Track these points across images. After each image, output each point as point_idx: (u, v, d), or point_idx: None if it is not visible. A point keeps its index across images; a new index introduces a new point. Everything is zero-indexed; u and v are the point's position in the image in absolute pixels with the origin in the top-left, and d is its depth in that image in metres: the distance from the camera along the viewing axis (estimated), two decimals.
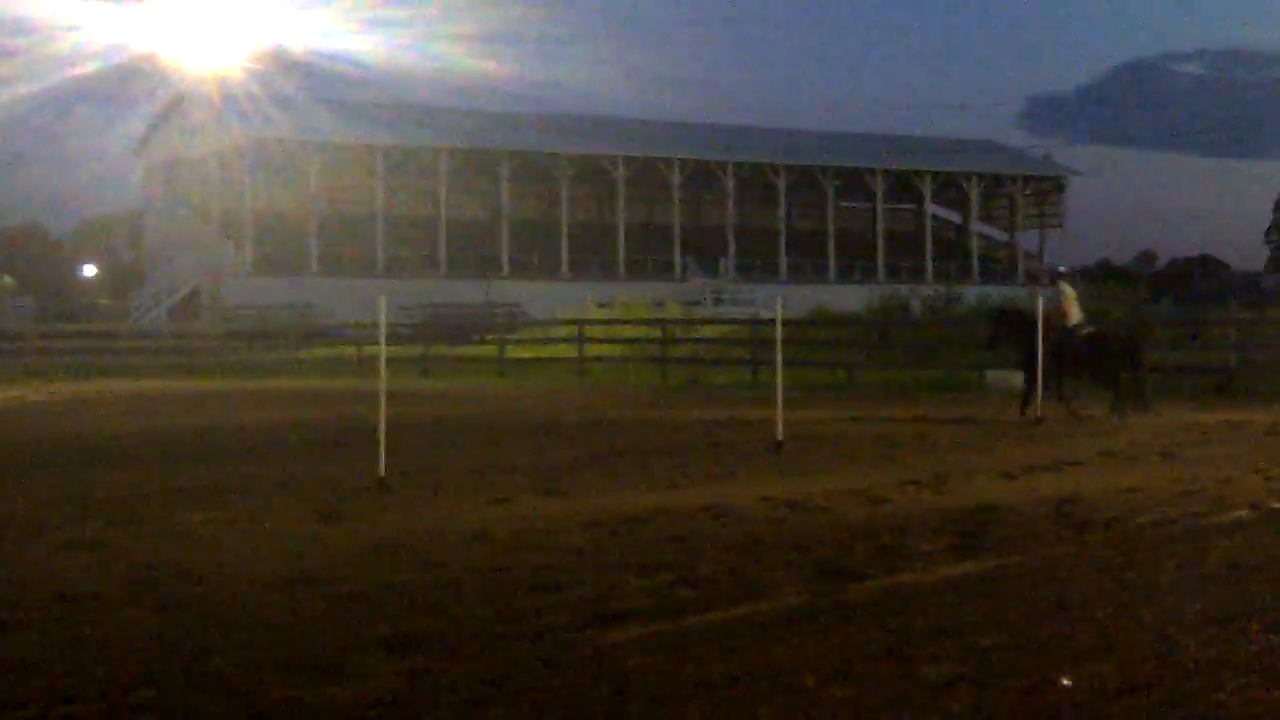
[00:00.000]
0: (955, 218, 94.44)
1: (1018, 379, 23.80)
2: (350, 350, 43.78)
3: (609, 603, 8.51)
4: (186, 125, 74.33)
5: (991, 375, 29.17)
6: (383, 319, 15.99)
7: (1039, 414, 21.22)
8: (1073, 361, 22.28)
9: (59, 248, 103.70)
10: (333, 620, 8.19)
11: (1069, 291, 23.66)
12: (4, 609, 8.46)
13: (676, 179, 79.01)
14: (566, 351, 39.97)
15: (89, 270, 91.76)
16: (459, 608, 8.48)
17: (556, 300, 60.27)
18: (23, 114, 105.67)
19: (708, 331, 41.71)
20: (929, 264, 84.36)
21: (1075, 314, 23.05)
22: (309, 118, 70.83)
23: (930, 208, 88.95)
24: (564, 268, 75.89)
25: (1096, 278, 79.73)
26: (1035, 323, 22.04)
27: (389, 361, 15.99)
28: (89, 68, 76.49)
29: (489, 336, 46.61)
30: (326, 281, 68.81)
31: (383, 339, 16.01)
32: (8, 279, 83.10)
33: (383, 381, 15.34)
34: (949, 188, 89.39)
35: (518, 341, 44.39)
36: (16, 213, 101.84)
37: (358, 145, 72.82)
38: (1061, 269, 30.15)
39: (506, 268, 74.50)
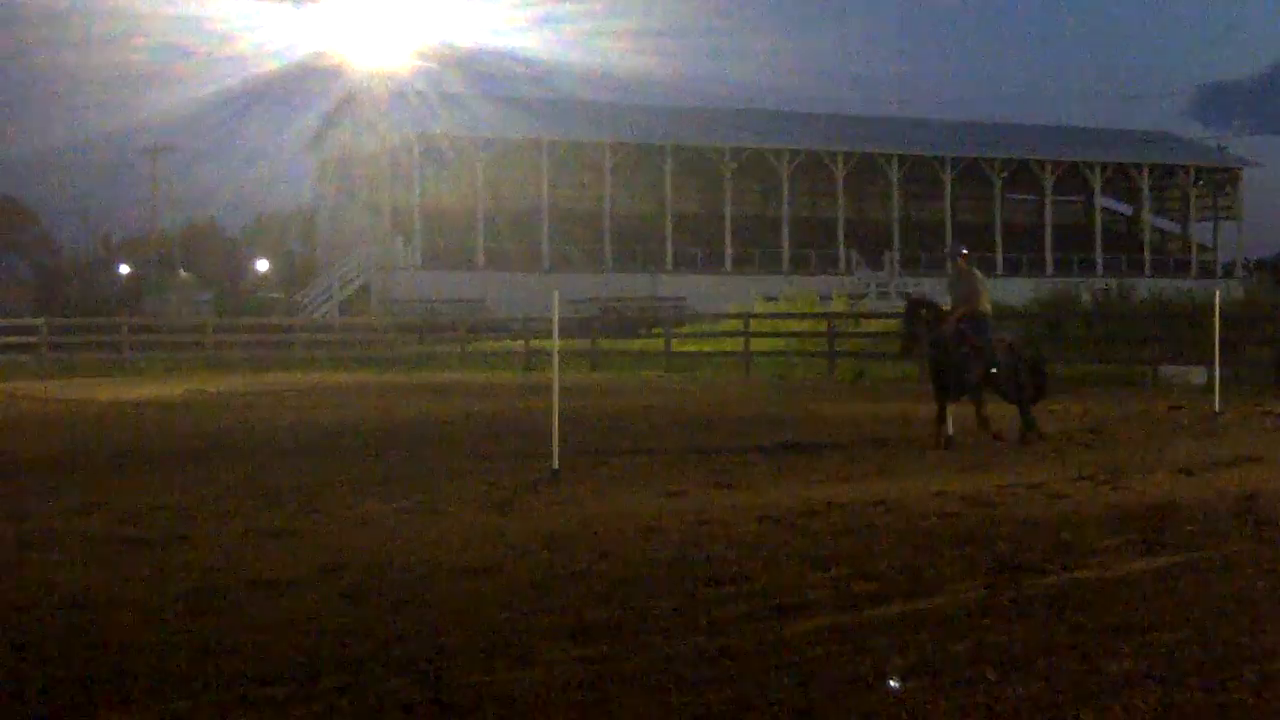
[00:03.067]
0: (1126, 210, 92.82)
1: (1195, 374, 22.98)
2: (518, 344, 44.28)
3: (786, 595, 8.58)
4: (357, 122, 75.53)
5: (1166, 369, 28.68)
6: (555, 312, 16.19)
7: (992, 429, 17.66)
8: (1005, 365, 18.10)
9: (235, 243, 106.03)
10: (515, 608, 8.34)
11: (979, 278, 18.68)
12: (199, 595, 8.75)
13: (840, 171, 78.63)
14: (732, 345, 40.02)
15: (263, 265, 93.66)
16: (637, 598, 8.59)
17: (720, 294, 60.26)
18: (201, 113, 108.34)
19: (874, 325, 41.49)
20: (1099, 257, 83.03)
21: (988, 305, 18.54)
22: (476, 114, 71.66)
23: (1100, 199, 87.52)
24: (728, 262, 75.89)
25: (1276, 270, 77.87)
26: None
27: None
28: (264, 68, 78.24)
29: (655, 330, 46.83)
30: (492, 276, 69.52)
31: (555, 332, 16.20)
32: (187, 274, 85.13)
33: (555, 374, 15.54)
34: (1120, 179, 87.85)
35: (683, 335, 44.53)
36: (195, 210, 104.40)
37: (523, 141, 73.47)
38: (964, 250, 19.25)
39: (671, 262, 74.69)
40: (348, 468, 15.43)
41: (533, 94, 79.57)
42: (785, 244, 76.99)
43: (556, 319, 16.22)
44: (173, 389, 30.55)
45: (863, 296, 65.18)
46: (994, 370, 17.75)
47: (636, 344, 44.50)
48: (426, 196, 72.33)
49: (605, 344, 43.30)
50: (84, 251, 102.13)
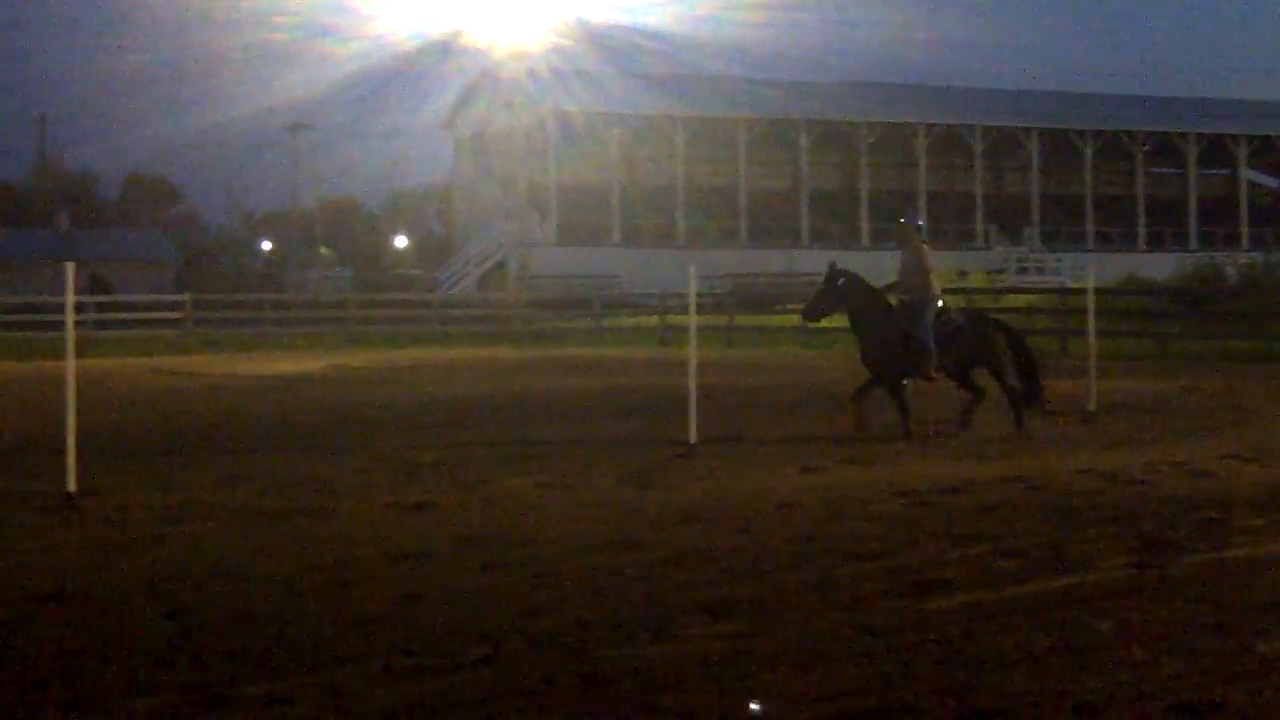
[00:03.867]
0: (1272, 183, 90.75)
1: None
2: (653, 320, 44.34)
3: (926, 572, 8.52)
4: (494, 100, 75.91)
5: None
6: (692, 288, 16.19)
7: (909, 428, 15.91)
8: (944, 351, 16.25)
9: (374, 220, 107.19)
10: (653, 583, 8.37)
11: (928, 254, 16.87)
12: (342, 567, 8.87)
13: (979, 145, 77.71)
14: None
15: (401, 242, 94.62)
16: (775, 574, 8.59)
17: (857, 269, 59.83)
18: (341, 91, 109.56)
19: (1013, 301, 40.97)
20: (1244, 230, 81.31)
21: (937, 289, 16.69)
22: (610, 90, 71.72)
23: (1246, 172, 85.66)
24: (864, 237, 75.37)
25: None
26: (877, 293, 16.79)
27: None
28: (403, 46, 78.95)
29: (791, 306, 46.63)
30: (627, 252, 69.63)
31: (693, 308, 16.20)
32: (327, 250, 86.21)
33: (692, 349, 15.54)
34: (1266, 151, 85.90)
35: None
36: (335, 187, 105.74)
37: (658, 116, 73.42)
38: (919, 221, 18.95)
39: (807, 237, 74.33)
40: (486, 442, 15.56)
41: (666, 70, 79.46)
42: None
43: (694, 294, 16.21)
44: (313, 364, 30.97)
45: (1001, 271, 64.41)
46: (928, 360, 15.95)
47: (773, 320, 44.32)
48: (562, 173, 72.56)
49: (741, 320, 43.19)
50: (227, 228, 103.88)
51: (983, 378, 16.58)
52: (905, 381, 16.22)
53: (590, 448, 14.97)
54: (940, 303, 16.51)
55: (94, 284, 51.38)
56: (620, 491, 11.96)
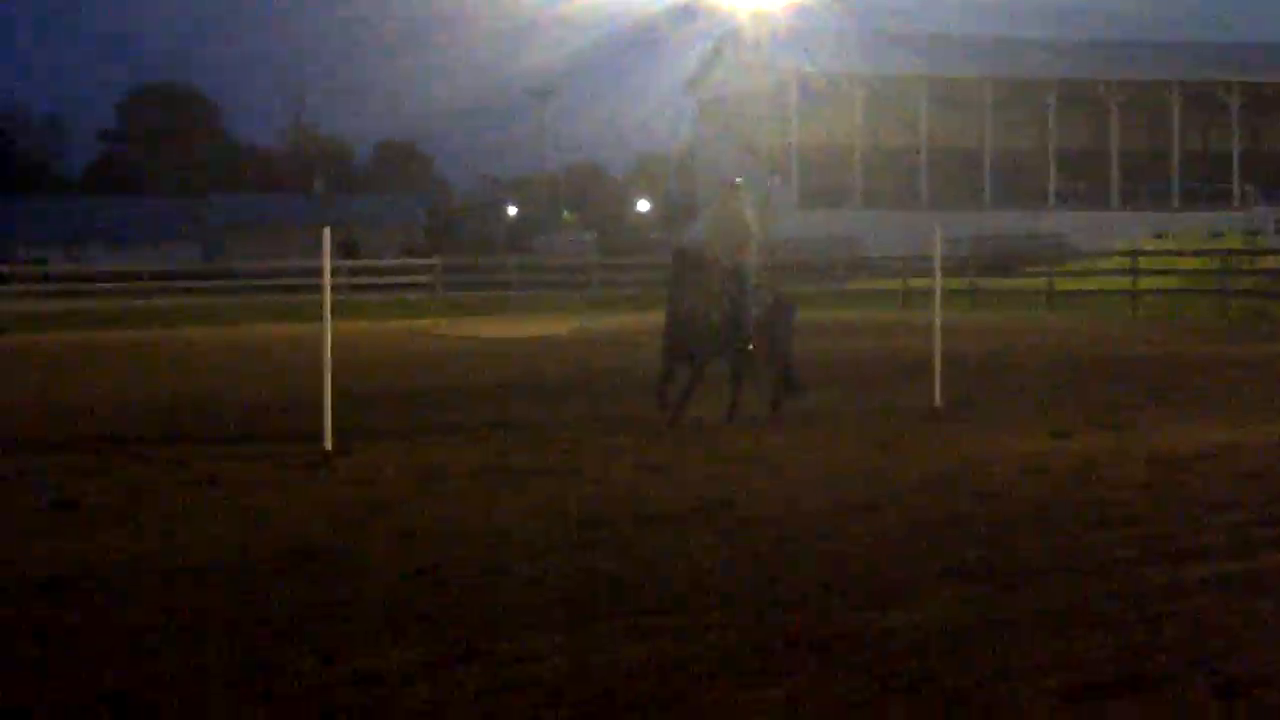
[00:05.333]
0: None
1: None
2: (895, 283, 43.89)
3: (1178, 539, 8.33)
4: (736, 62, 75.84)
5: None
6: (938, 251, 16.01)
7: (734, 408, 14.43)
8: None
9: (617, 184, 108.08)
10: (896, 548, 8.33)
11: (750, 215, 14.94)
12: (588, 527, 8.99)
13: (1235, 103, 75.19)
14: (1118, 284, 38.80)
15: (644, 205, 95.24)
16: (1020, 540, 8.48)
17: (1104, 231, 58.46)
18: (585, 56, 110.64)
19: (1272, 262, 39.62)
20: None
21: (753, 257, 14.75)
22: (853, 51, 71.10)
23: None
24: (1113, 198, 73.56)
25: None
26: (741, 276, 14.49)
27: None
28: (647, 10, 79.29)
29: (1036, 268, 45.78)
30: (869, 214, 69.04)
31: (938, 271, 16.01)
32: (571, 215, 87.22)
33: (936, 313, 15.37)
34: None
35: (1066, 274, 43.39)
36: (579, 151, 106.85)
37: (900, 77, 72.57)
38: (737, 179, 15.37)
39: (1052, 198, 72.83)
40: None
41: (910, 30, 78.48)
42: (1176, 179, 74.12)
43: (939, 257, 16.02)
44: (558, 327, 31.34)
45: (1258, 233, 62.32)
46: (739, 335, 14.31)
47: (1017, 282, 43.54)
48: (804, 135, 72.20)
49: (984, 283, 42.51)
50: (474, 193, 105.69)
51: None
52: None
53: (833, 411, 14.91)
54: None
55: (343, 248, 52.79)
56: (863, 455, 11.90)
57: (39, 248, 73.76)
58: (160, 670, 6.06)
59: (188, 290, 43.22)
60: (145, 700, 5.68)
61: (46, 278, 45.99)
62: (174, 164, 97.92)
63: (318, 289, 12.97)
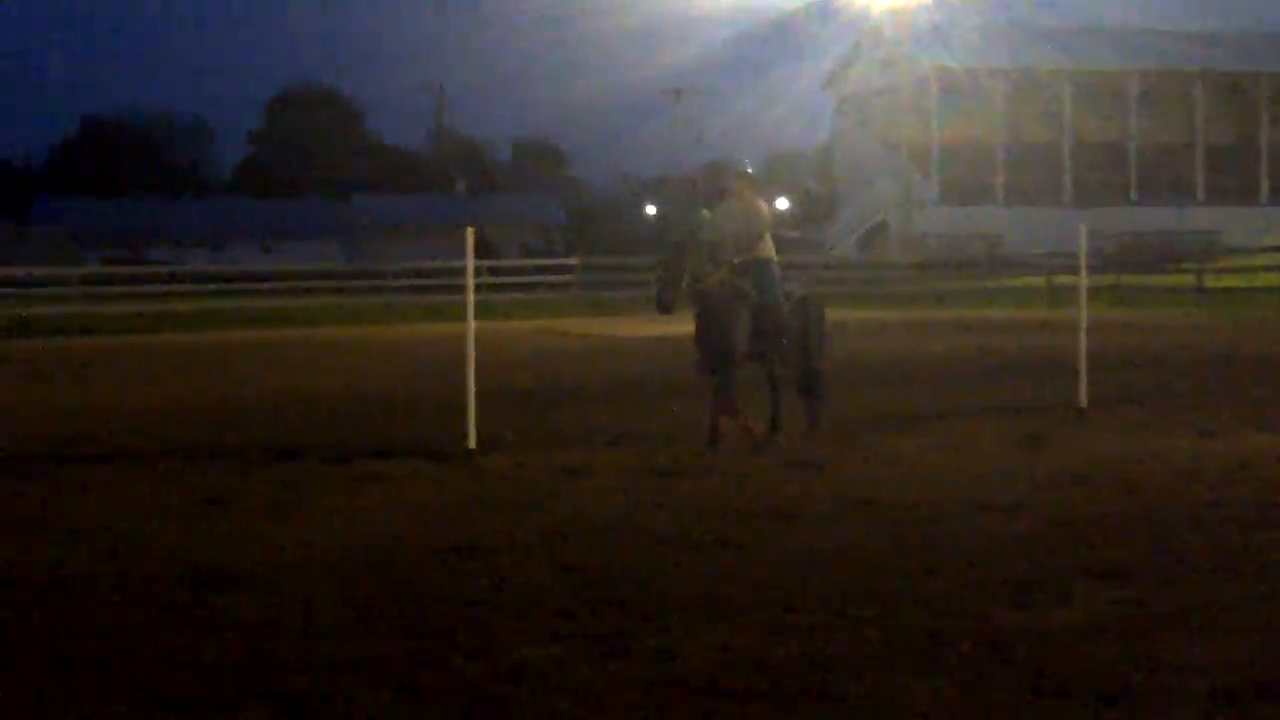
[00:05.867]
0: None
1: None
2: (1038, 280, 43.38)
3: None
4: (874, 58, 75.39)
5: None
6: (1083, 247, 15.81)
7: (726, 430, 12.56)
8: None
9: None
10: (1043, 547, 8.25)
11: (765, 208, 13.56)
12: (730, 524, 9.01)
13: None
14: (1271, 281, 38.04)
15: (781, 203, 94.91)
16: (1172, 540, 8.36)
17: (1254, 226, 57.41)
18: (721, 54, 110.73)
19: None
20: None
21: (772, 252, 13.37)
22: (994, 45, 70.34)
23: None
24: (1262, 193, 72.04)
25: None
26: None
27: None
28: (783, 7, 79.12)
29: (1184, 265, 45.04)
30: (1011, 210, 68.25)
31: (1083, 268, 15.81)
32: (709, 214, 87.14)
33: (1082, 310, 15.18)
34: None
35: (1217, 270, 42.62)
36: (715, 149, 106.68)
37: (1043, 71, 71.62)
38: (749, 168, 15.37)
39: (1201, 194, 71.50)
40: (869, 403, 15.51)
41: (1052, 23, 77.40)
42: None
43: (1084, 254, 15.82)
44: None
45: None
46: (771, 340, 12.90)
47: (1165, 279, 42.90)
48: (944, 130, 71.57)
49: (1131, 279, 41.91)
50: (611, 192, 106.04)
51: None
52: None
53: (977, 410, 14.80)
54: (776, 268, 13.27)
55: (479, 247, 53.28)
56: (1008, 454, 11.79)
57: (186, 249, 75.23)
58: (314, 663, 6.17)
59: (332, 290, 43.85)
60: (299, 692, 5.78)
61: (202, 278, 46.83)
62: (318, 166, 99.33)
63: (459, 289, 13.11)
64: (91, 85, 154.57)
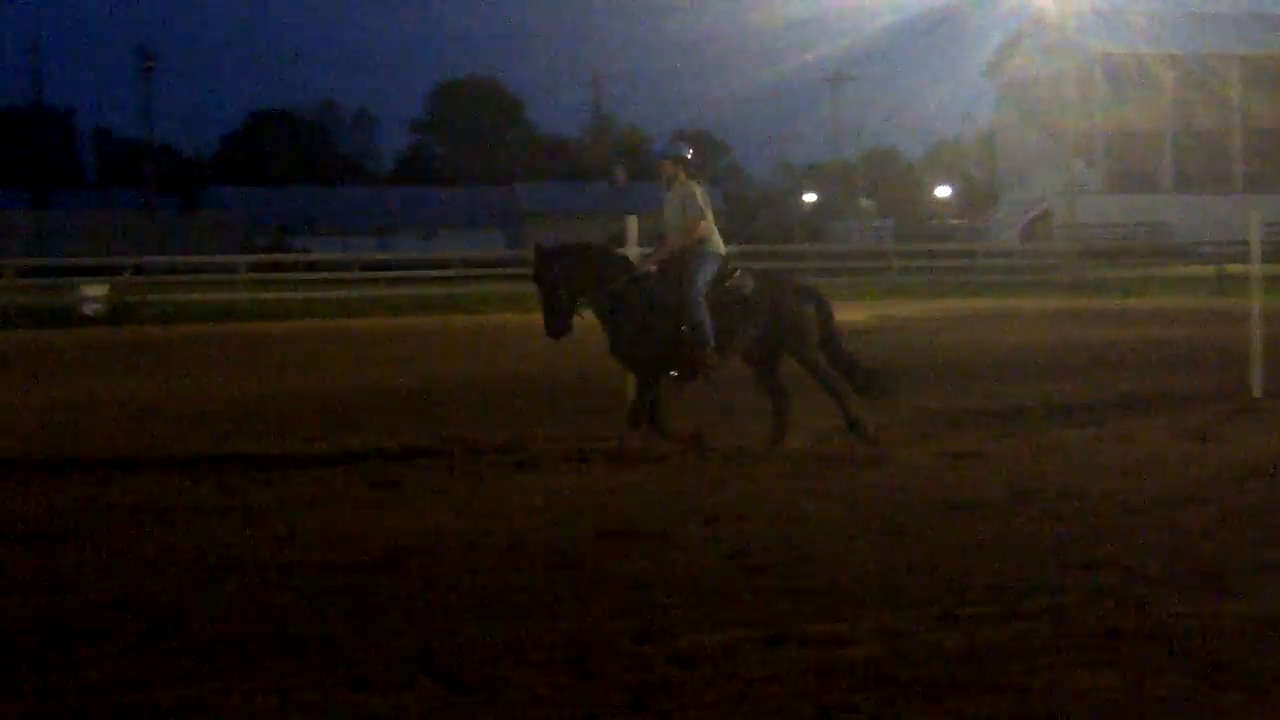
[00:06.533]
0: None
1: None
2: (1208, 269, 42.50)
3: None
4: (1038, 45, 74.32)
5: None
6: (1254, 235, 15.51)
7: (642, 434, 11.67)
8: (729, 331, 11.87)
9: (913, 170, 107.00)
10: (1218, 538, 8.11)
11: (701, 195, 12.11)
12: (896, 514, 8.95)
13: None
14: None
15: (942, 191, 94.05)
16: None
17: None
18: (882, 42, 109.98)
19: None
20: None
21: (715, 240, 12.10)
22: (1161, 30, 69.02)
23: None
24: None
25: None
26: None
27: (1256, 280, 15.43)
28: None
29: None
30: (1178, 198, 67.02)
31: (1256, 256, 15.47)
32: (868, 202, 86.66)
33: (1255, 300, 14.87)
34: None
35: None
36: (875, 137, 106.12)
37: (1213, 55, 70.18)
38: (688, 150, 12.24)
39: None
40: (1032, 392, 15.32)
41: (1221, 6, 75.75)
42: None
43: (1256, 242, 15.49)
44: (856, 314, 31.18)
45: None
46: (703, 345, 11.65)
47: None
48: (1109, 118, 70.42)
49: None
50: (770, 180, 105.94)
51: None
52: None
53: (1144, 400, 14.55)
54: (717, 264, 11.99)
55: (622, 236, 53.34)
56: (1178, 445, 11.57)
57: (349, 237, 76.41)
58: (486, 644, 6.25)
59: (495, 278, 44.22)
60: (470, 673, 5.86)
61: (366, 266, 47.42)
62: (479, 155, 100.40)
63: None
64: (259, 77, 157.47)
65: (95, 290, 35.22)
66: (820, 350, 12.18)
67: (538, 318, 12.02)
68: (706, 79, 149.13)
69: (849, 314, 30.91)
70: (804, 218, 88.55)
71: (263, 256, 50.98)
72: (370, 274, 43.93)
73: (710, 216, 12.02)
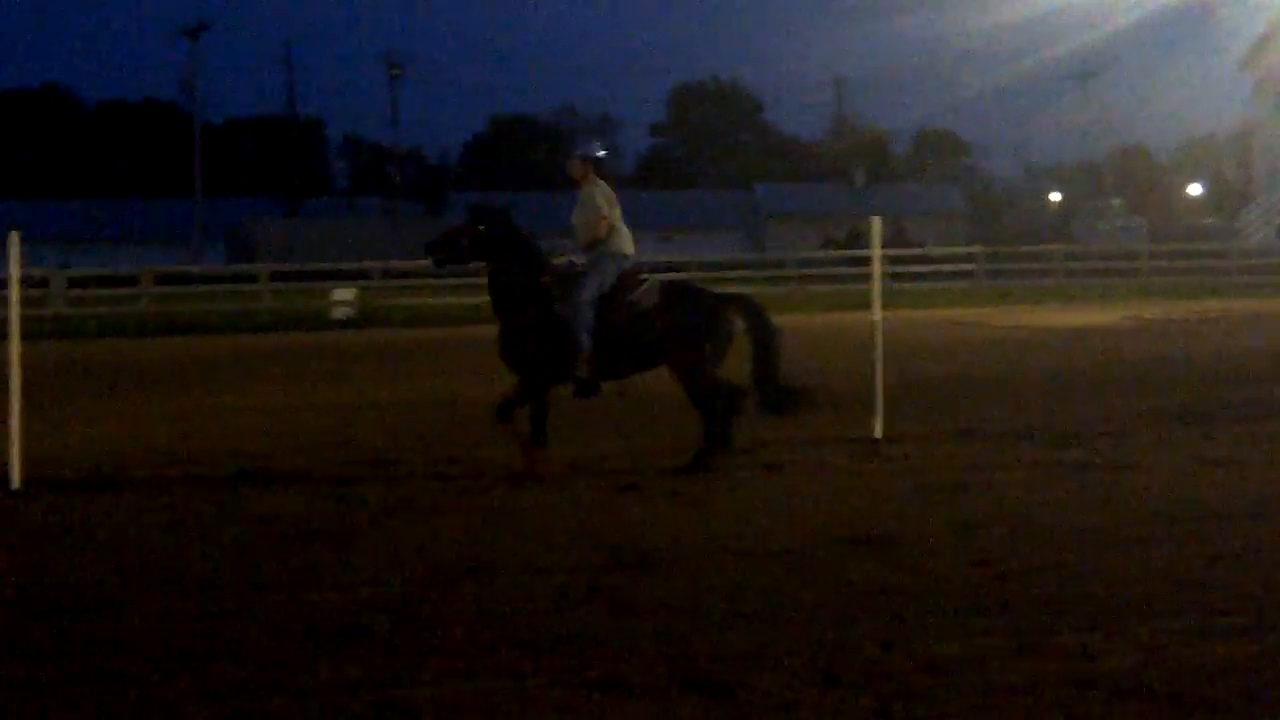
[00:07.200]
0: None
1: None
2: None
3: None
4: None
5: None
6: None
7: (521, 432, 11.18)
8: (619, 342, 11.19)
9: (1163, 168, 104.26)
10: None
11: (601, 194, 11.48)
12: (1146, 522, 8.77)
13: None
14: None
15: (1195, 189, 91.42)
16: None
17: None
18: (1129, 37, 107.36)
19: None
20: None
21: (622, 237, 11.53)
22: None
23: None
24: None
25: None
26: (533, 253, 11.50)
27: None
28: None
29: None
30: None
31: None
32: (1117, 201, 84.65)
33: None
34: None
35: None
36: (1123, 135, 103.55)
37: None
38: (599, 152, 11.84)
39: None
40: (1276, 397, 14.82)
41: None
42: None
43: None
44: (1107, 315, 30.51)
45: None
46: (575, 354, 11.08)
47: None
48: None
49: None
50: (1014, 180, 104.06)
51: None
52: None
53: None
54: (617, 266, 11.35)
55: (896, 238, 53.04)
56: None
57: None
58: (731, 647, 6.27)
59: (734, 280, 44.30)
60: (715, 674, 5.89)
61: None
62: (719, 157, 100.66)
63: (857, 278, 13.04)
64: (502, 83, 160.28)
65: (345, 295, 36.10)
66: (751, 365, 11.48)
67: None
68: (948, 78, 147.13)
69: (1096, 316, 30.29)
70: (1049, 217, 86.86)
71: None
72: None
73: (616, 216, 11.46)
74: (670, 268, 46.30)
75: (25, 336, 11.31)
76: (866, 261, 13.08)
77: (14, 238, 11.32)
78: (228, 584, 7.64)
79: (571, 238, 11.53)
